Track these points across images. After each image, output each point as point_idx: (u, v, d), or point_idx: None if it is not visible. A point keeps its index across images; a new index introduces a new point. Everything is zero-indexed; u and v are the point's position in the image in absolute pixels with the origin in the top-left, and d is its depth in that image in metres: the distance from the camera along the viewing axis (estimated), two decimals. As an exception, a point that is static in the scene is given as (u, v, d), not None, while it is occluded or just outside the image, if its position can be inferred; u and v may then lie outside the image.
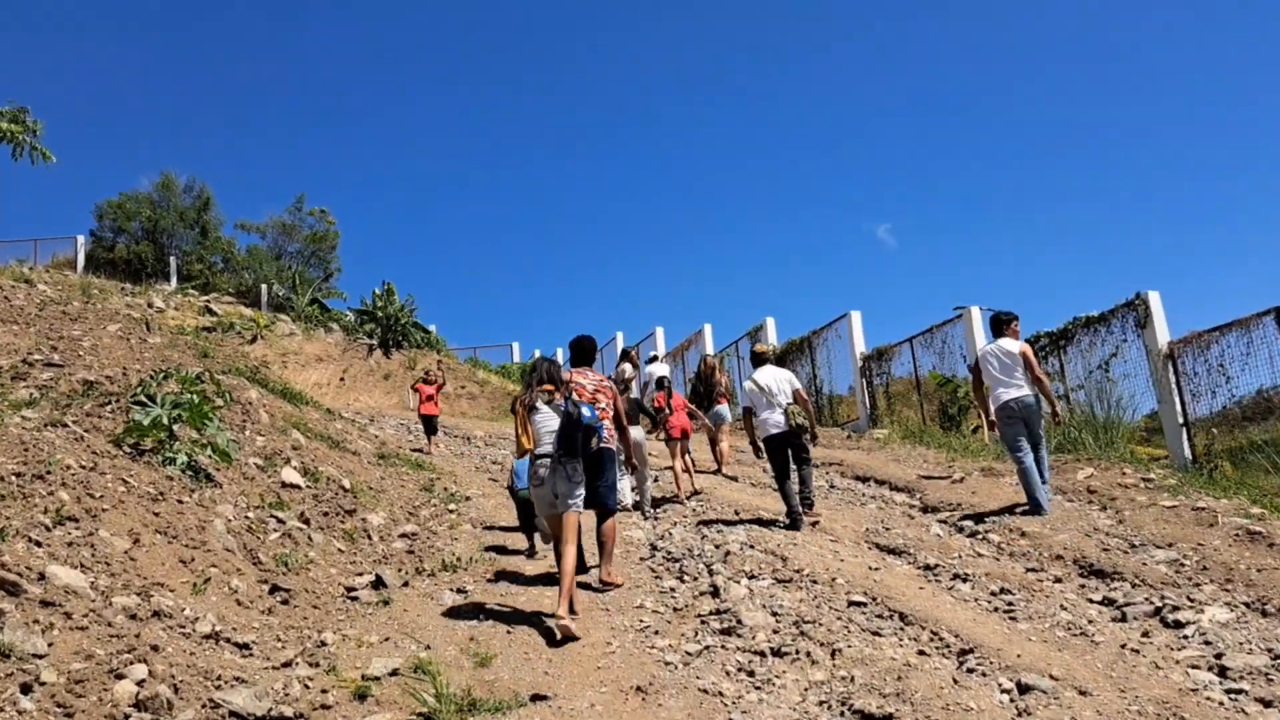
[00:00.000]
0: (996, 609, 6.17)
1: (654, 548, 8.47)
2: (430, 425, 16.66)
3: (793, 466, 9.04)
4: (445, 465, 13.87)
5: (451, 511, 10.38)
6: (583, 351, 7.49)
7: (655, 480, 11.94)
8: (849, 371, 20.41)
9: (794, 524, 8.66)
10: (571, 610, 5.81)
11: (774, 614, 6.04)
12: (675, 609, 6.40)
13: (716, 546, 8.01)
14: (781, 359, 21.94)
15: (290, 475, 8.86)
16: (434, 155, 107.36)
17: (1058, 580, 6.90)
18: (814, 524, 8.84)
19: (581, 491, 6.34)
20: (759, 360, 9.71)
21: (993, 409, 8.87)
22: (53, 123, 72.08)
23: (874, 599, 6.24)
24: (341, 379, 30.28)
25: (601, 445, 6.64)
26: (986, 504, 9.56)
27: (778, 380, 9.20)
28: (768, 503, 10.53)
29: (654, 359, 20.97)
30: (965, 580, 6.83)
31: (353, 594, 6.54)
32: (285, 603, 5.99)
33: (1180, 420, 13.13)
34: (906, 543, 8.12)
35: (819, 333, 21.56)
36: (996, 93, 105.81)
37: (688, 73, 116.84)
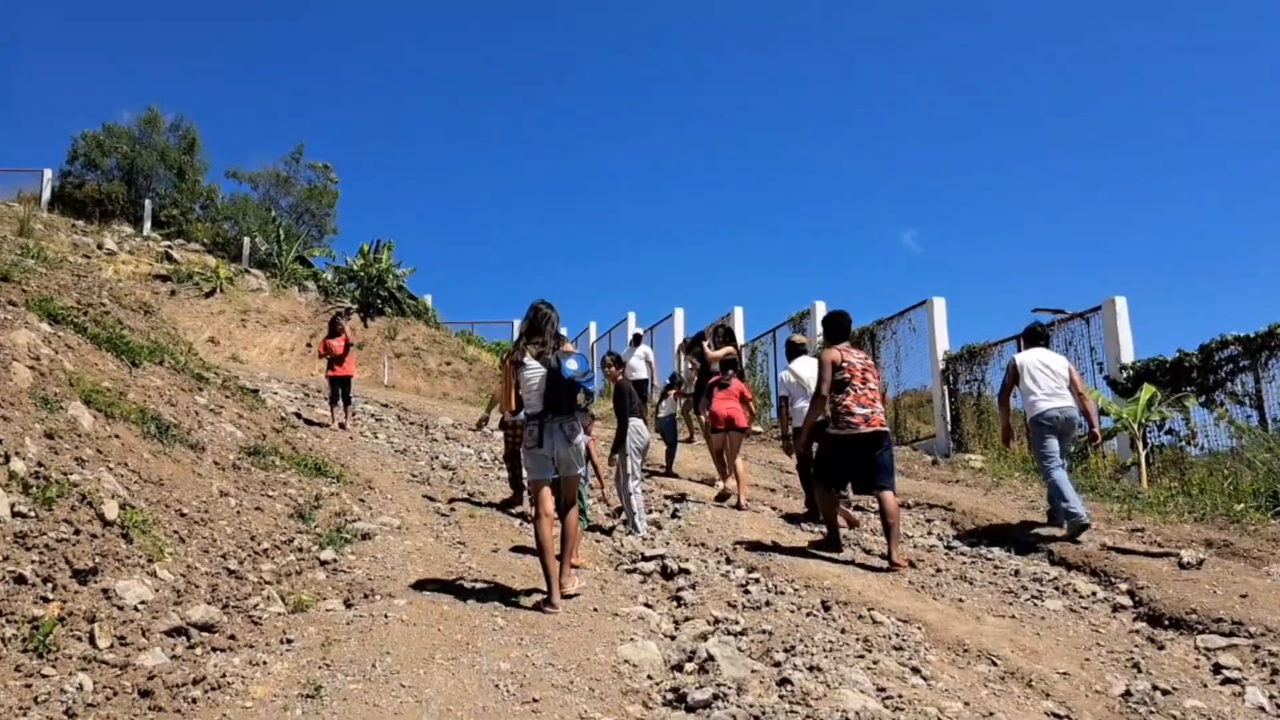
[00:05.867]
0: None
1: (681, 700, 4.04)
2: (342, 391, 12.41)
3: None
4: (364, 467, 9.42)
5: (323, 564, 5.95)
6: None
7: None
8: (925, 373, 15.93)
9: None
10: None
11: None
12: None
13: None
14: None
15: (-28, 495, 4.45)
16: (456, 127, 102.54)
17: None
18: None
19: (583, 452, 5.92)
20: (795, 351, 9.08)
21: (1028, 417, 8.16)
22: (32, 46, 67.82)
23: None
24: (308, 345, 25.88)
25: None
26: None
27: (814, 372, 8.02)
28: (860, 579, 6.17)
29: (637, 339, 16.70)
30: None
31: None
32: None
33: None
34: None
35: (886, 323, 17.05)
36: (1022, 94, 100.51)
37: (721, 66, 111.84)
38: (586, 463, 7.01)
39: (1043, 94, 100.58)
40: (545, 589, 5.49)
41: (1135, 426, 10.97)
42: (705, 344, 12.54)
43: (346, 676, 4.08)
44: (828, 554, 7.09)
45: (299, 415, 12.44)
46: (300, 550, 6.14)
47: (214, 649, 4.39)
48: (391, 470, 9.74)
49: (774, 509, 9.42)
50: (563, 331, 6.47)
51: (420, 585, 5.68)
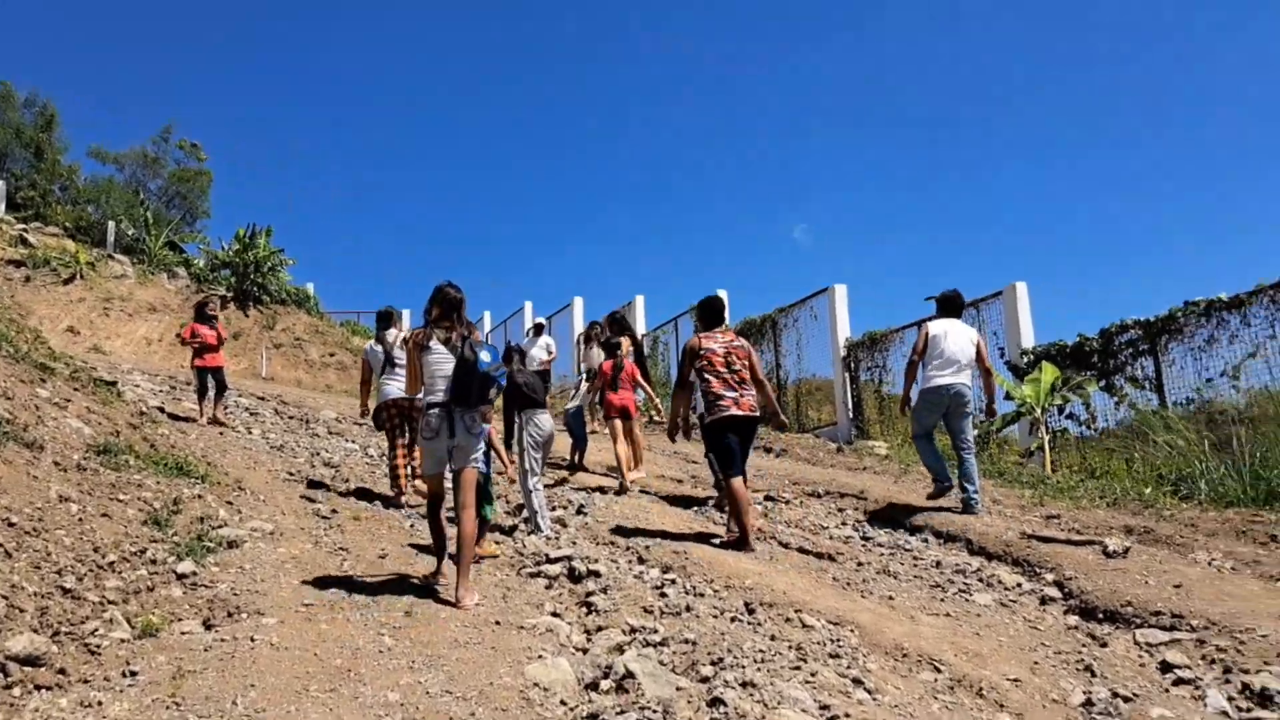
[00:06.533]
0: None
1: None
2: (216, 383, 11.48)
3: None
4: (235, 466, 8.57)
5: (180, 578, 5.19)
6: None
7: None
8: (827, 361, 15.73)
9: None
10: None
11: None
12: None
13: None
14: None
15: None
16: (340, 101, 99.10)
17: None
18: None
19: (482, 445, 5.69)
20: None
21: (920, 387, 8.03)
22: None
23: None
24: (178, 335, 24.29)
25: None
26: (1232, 616, 4.88)
27: None
28: (784, 578, 5.75)
29: (539, 328, 15.90)
30: None
31: None
32: None
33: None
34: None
35: (787, 310, 16.83)
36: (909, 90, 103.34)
37: (619, 50, 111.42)
38: (490, 455, 6.62)
39: (935, 83, 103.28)
40: (435, 570, 5.52)
41: (1039, 411, 10.91)
42: (596, 343, 12.00)
43: (200, 718, 3.40)
44: (741, 551, 6.65)
45: (162, 409, 11.43)
46: (153, 562, 5.35)
47: (38, 687, 3.66)
48: (266, 469, 8.90)
49: (683, 500, 8.97)
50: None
51: (295, 600, 5.00)
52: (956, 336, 7.97)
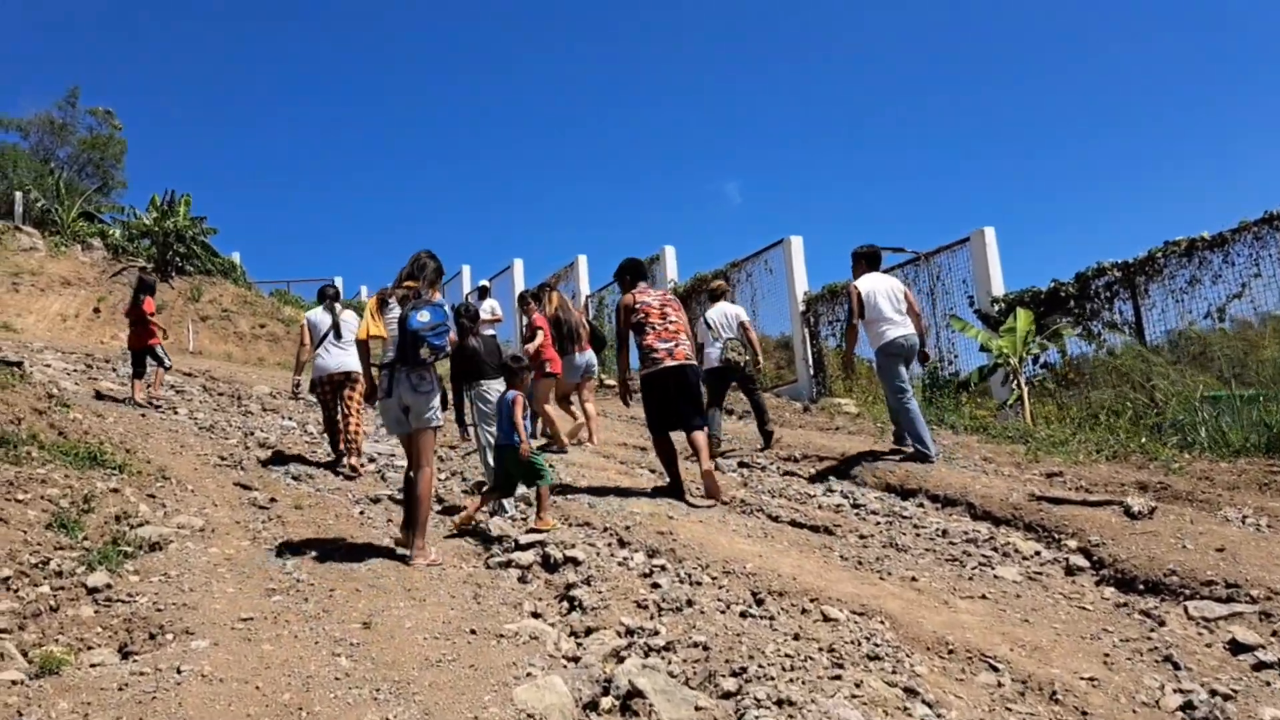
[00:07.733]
0: None
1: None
2: (145, 361, 10.71)
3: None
4: (158, 451, 7.69)
5: (91, 593, 4.40)
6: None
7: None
8: (784, 317, 15.17)
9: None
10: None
11: None
12: None
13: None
14: (685, 299, 16.55)
15: None
16: (262, 62, 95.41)
17: None
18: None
19: (436, 404, 5.54)
20: (714, 296, 9.66)
21: (875, 346, 7.98)
22: None
23: None
24: (96, 310, 23.07)
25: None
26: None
27: (725, 315, 9.22)
28: (786, 558, 5.17)
29: (484, 291, 15.12)
30: None
31: None
32: None
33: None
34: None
35: (741, 264, 16.22)
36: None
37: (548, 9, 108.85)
38: (528, 415, 6.82)
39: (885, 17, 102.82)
40: (408, 548, 5.34)
41: (1016, 361, 10.46)
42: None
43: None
44: (675, 498, 6.79)
45: (91, 392, 10.43)
46: (59, 575, 4.56)
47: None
48: (194, 453, 8.03)
49: (651, 471, 8.34)
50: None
51: (230, 614, 4.24)
52: (887, 288, 7.98)
